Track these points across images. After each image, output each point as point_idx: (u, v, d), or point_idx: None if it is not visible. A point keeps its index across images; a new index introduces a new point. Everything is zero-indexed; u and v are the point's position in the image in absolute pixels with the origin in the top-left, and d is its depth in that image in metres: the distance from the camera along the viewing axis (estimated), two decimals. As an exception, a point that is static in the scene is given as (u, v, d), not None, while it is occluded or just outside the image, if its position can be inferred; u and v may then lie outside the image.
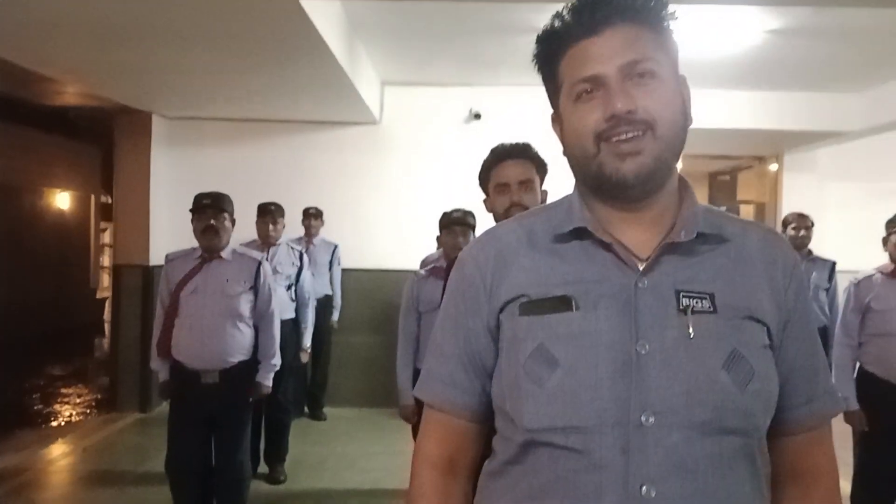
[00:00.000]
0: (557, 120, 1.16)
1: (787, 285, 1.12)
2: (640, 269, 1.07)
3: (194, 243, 3.71)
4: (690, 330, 1.02)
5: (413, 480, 1.20)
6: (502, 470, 1.12)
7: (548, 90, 1.17)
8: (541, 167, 2.39)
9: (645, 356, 1.02)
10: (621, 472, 0.99)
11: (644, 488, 0.98)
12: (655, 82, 1.05)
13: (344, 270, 6.63)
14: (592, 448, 1.01)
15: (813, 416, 1.14)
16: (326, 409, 6.60)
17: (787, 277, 1.12)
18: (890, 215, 3.72)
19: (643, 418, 1.00)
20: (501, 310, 1.13)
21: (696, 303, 1.04)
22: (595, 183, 1.09)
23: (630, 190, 1.07)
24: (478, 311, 1.15)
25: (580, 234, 1.11)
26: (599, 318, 1.04)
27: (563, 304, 1.06)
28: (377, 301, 6.77)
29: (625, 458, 0.99)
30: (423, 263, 4.18)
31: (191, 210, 3.67)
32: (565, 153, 1.15)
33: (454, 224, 3.61)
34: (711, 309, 1.04)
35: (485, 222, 2.03)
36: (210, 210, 3.62)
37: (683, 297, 1.05)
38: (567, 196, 1.20)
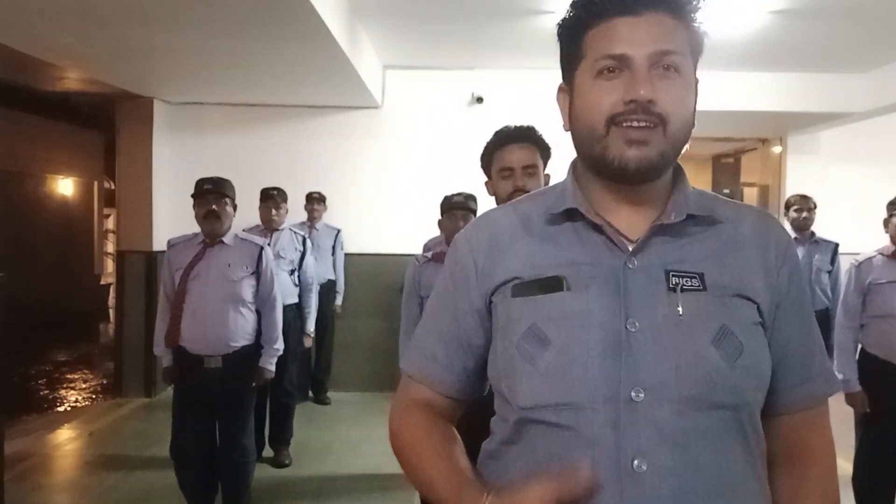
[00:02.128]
0: (566, 91, 1.15)
1: (779, 266, 1.13)
2: (630, 250, 1.09)
3: (197, 228, 3.72)
4: (680, 308, 1.04)
5: (393, 421, 1.23)
6: (499, 450, 1.15)
7: (564, 58, 1.15)
8: (545, 151, 2.37)
9: (635, 334, 1.03)
10: (613, 447, 1.01)
11: (636, 462, 1.00)
12: (678, 79, 1.05)
13: (347, 255, 6.64)
14: (584, 424, 1.02)
15: (808, 396, 1.16)
16: (330, 394, 6.63)
17: (780, 259, 1.14)
18: (892, 197, 3.71)
19: (633, 394, 1.01)
20: (493, 292, 1.14)
21: (686, 282, 1.06)
22: (596, 164, 1.10)
23: (628, 178, 1.08)
24: (467, 293, 1.18)
25: (572, 215, 1.13)
26: (591, 298, 1.06)
27: (554, 284, 1.08)
28: (380, 285, 6.78)
29: (616, 434, 1.01)
30: (426, 247, 4.17)
31: (192, 195, 3.67)
32: (569, 126, 1.15)
33: (455, 208, 3.59)
34: (701, 287, 1.06)
35: (487, 206, 2.01)
36: (211, 195, 3.62)
37: (673, 276, 1.06)
38: (561, 181, 1.22)
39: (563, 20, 1.14)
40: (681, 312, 1.04)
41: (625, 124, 1.04)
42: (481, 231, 1.20)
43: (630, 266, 1.07)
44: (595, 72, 1.07)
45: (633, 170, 1.05)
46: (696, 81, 1.11)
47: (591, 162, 1.12)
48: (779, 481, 1.15)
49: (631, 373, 1.02)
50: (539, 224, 1.16)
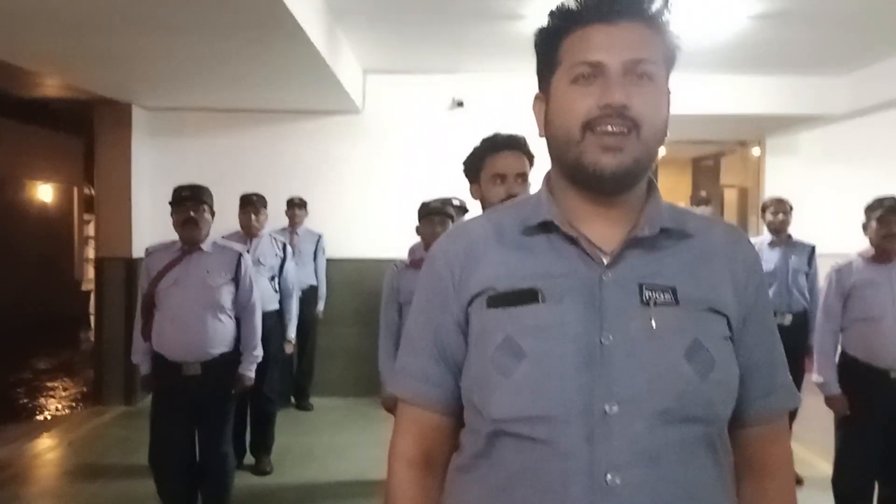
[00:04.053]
0: (542, 99, 1.17)
1: (747, 280, 1.14)
2: (605, 262, 1.09)
3: (176, 236, 3.69)
4: (653, 322, 1.04)
5: (390, 478, 1.21)
6: (471, 463, 1.14)
7: (540, 66, 1.17)
8: (531, 160, 2.41)
9: (609, 347, 1.03)
10: (586, 460, 1.01)
11: (609, 476, 1.00)
12: (651, 86, 1.07)
13: (329, 260, 6.62)
14: (558, 437, 1.02)
15: (770, 409, 1.17)
16: (313, 400, 6.61)
17: (748, 273, 1.15)
18: (871, 199, 3.74)
19: (607, 408, 1.01)
20: (470, 303, 1.14)
21: (659, 295, 1.07)
22: (571, 170, 1.11)
23: (604, 184, 1.08)
24: (447, 306, 1.17)
25: (547, 227, 1.13)
26: (565, 310, 1.06)
27: (530, 296, 1.08)
28: (362, 290, 6.76)
29: (590, 447, 1.01)
30: (411, 252, 4.18)
31: (170, 202, 3.66)
32: (545, 134, 1.15)
33: (432, 214, 3.60)
34: (673, 301, 1.07)
35: (475, 210, 2.02)
36: (189, 202, 3.61)
37: (646, 290, 1.07)
38: (535, 192, 1.22)
39: (540, 28, 1.15)
40: (654, 326, 1.04)
41: (599, 129, 1.05)
42: (457, 242, 1.19)
43: (605, 279, 1.07)
44: (571, 78, 1.08)
45: (608, 176, 1.06)
46: (669, 92, 1.12)
47: (566, 169, 1.12)
48: (739, 494, 1.17)
49: (605, 386, 1.02)
50: (513, 234, 1.16)
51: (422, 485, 1.19)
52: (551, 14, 1.13)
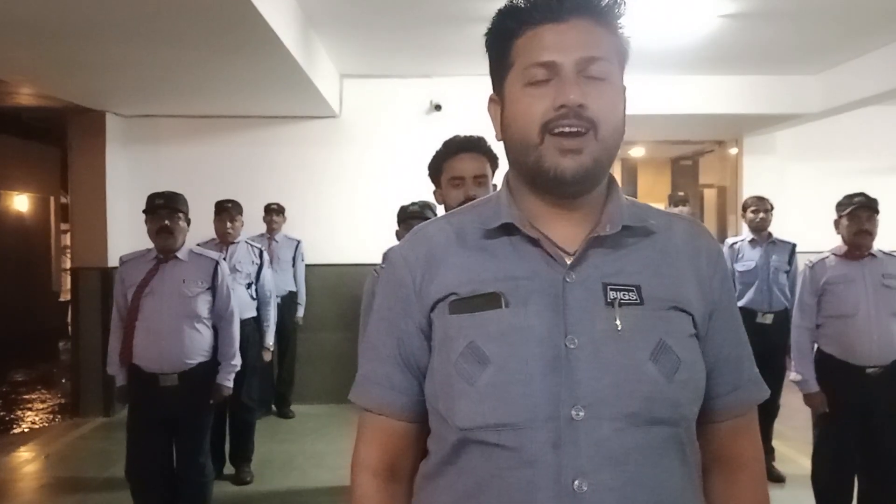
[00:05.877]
0: (497, 101, 1.15)
1: (711, 275, 1.13)
2: (568, 263, 1.07)
3: (151, 244, 3.65)
4: (618, 322, 1.03)
5: (354, 489, 1.18)
6: (438, 470, 1.11)
7: (493, 68, 1.15)
8: (493, 161, 2.39)
9: (574, 350, 1.02)
10: (553, 467, 0.99)
11: (576, 482, 0.98)
12: (606, 85, 1.06)
13: (308, 266, 6.59)
14: (524, 444, 1.00)
15: (738, 403, 1.16)
16: (294, 407, 6.57)
17: (712, 268, 1.14)
18: (842, 196, 3.76)
19: (573, 412, 0.99)
20: (432, 309, 1.12)
21: (624, 295, 1.05)
22: (531, 174, 1.09)
23: (565, 187, 1.07)
24: (409, 312, 1.14)
25: (509, 229, 1.11)
26: (529, 313, 1.04)
27: (493, 300, 1.06)
28: (342, 296, 6.73)
29: (556, 453, 0.99)
30: (385, 256, 4.17)
31: (144, 211, 3.62)
32: (502, 137, 1.13)
33: (411, 218, 3.58)
34: (638, 301, 1.05)
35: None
36: (164, 210, 3.57)
37: (611, 289, 1.05)
38: (495, 192, 1.20)
39: (490, 30, 1.13)
40: (619, 327, 1.03)
41: (557, 130, 1.03)
42: (417, 247, 1.17)
43: (568, 280, 1.05)
44: (525, 80, 1.07)
45: (569, 179, 1.05)
46: (624, 88, 1.11)
47: (525, 172, 1.10)
48: (710, 487, 1.16)
49: (571, 390, 1.00)
50: (475, 237, 1.13)
51: (387, 494, 1.17)
52: (500, 14, 1.11)
